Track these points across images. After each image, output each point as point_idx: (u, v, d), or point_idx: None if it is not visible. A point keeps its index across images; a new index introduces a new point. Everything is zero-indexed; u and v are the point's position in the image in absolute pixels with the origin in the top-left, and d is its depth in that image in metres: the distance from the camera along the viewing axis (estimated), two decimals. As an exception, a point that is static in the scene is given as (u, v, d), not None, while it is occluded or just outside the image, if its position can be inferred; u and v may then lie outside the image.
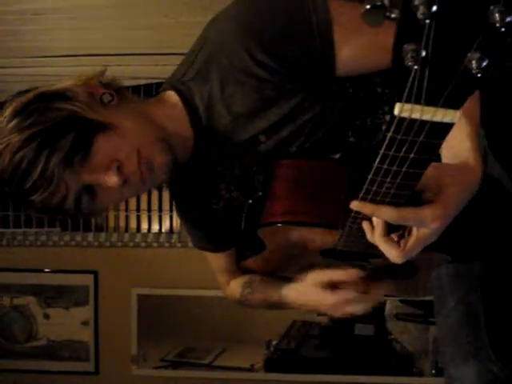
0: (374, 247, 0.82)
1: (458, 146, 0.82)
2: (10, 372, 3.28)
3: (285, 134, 1.00)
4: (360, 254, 0.99)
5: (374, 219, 0.79)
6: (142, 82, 2.97)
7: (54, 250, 3.22)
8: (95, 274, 3.20)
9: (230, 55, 0.96)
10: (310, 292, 1.05)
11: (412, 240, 0.78)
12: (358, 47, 0.92)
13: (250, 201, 1.04)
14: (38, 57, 3.00)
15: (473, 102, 0.85)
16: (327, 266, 1.06)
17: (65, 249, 3.22)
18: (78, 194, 0.94)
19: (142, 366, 3.20)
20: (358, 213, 0.80)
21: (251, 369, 3.06)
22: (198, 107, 1.02)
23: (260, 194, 1.03)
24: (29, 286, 3.25)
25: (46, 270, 3.24)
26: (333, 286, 1.03)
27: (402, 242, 0.79)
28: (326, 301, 1.04)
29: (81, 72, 1.00)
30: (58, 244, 3.21)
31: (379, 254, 0.99)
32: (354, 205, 0.77)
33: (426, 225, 0.76)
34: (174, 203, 1.24)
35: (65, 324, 3.26)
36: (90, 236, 3.22)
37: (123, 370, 3.20)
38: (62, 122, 0.91)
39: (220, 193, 1.11)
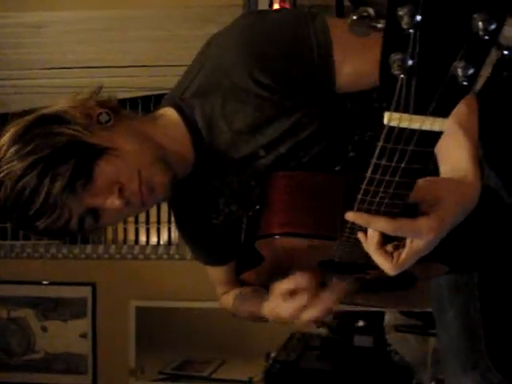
0: (371, 258, 0.82)
1: (457, 160, 0.82)
2: (8, 385, 3.27)
3: (284, 149, 1.01)
4: (358, 265, 0.99)
5: (369, 230, 0.79)
6: (141, 93, 2.98)
7: (52, 262, 3.22)
8: (93, 286, 3.20)
9: (231, 74, 0.97)
10: (275, 303, 1.04)
11: (405, 252, 0.77)
12: (357, 66, 0.93)
13: (251, 213, 1.04)
14: (39, 69, 3.01)
15: (471, 115, 0.85)
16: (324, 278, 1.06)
17: (63, 261, 3.21)
18: (82, 217, 0.95)
19: (141, 379, 3.18)
20: (353, 226, 0.80)
21: (250, 381, 3.04)
22: (198, 123, 1.02)
23: (258, 207, 1.03)
24: (26, 298, 3.24)
25: (44, 282, 3.23)
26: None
27: (396, 254, 0.78)
28: (284, 310, 1.02)
29: (77, 92, 1.01)
30: (56, 256, 3.21)
31: (376, 265, 0.99)
32: (349, 215, 0.77)
33: (420, 236, 0.75)
34: (173, 218, 1.25)
35: (63, 336, 3.25)
36: (89, 248, 3.21)
37: (121, 382, 3.19)
38: (63, 147, 0.91)
39: (219, 207, 1.11)
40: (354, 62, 0.93)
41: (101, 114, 0.98)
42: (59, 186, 0.90)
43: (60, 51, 2.98)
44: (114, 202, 0.93)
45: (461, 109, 0.81)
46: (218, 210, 1.12)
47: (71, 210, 0.93)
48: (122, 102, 2.71)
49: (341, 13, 2.36)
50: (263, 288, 1.18)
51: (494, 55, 0.49)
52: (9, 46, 2.99)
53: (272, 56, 0.94)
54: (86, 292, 3.20)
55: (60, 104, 0.98)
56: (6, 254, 3.24)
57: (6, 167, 0.90)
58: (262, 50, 0.95)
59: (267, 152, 1.01)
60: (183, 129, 1.03)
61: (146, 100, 3.01)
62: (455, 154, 0.82)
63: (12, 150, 0.91)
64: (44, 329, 3.26)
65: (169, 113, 1.05)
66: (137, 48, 2.93)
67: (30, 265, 3.23)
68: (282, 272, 1.12)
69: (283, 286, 1.02)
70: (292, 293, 1.01)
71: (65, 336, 3.24)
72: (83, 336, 3.22)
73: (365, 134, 1.01)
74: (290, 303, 1.01)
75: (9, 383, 3.27)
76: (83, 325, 3.22)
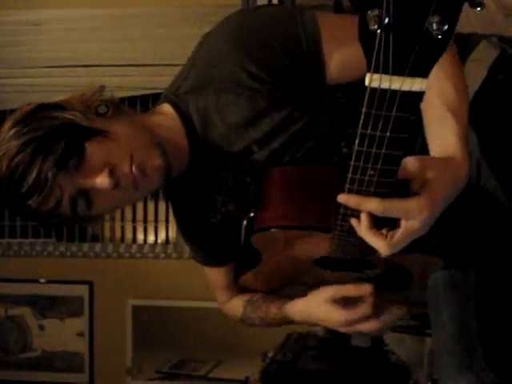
0: (367, 251, 0.82)
1: (446, 142, 0.82)
2: (5, 383, 3.27)
3: (276, 144, 1.02)
4: (355, 262, 0.99)
5: (362, 214, 0.78)
6: (139, 92, 2.98)
7: (49, 260, 3.22)
8: (90, 284, 3.20)
9: (223, 68, 0.99)
10: (320, 307, 1.05)
11: (400, 231, 0.77)
12: (346, 56, 0.94)
13: (252, 214, 1.04)
14: (37, 67, 3.01)
15: (461, 101, 0.86)
16: (324, 279, 1.06)
17: (60, 259, 3.21)
18: (73, 198, 0.96)
19: (137, 378, 3.18)
20: (346, 212, 0.80)
21: (247, 381, 3.04)
22: (193, 117, 1.05)
23: (255, 209, 1.03)
24: (24, 296, 3.24)
25: (41, 280, 3.23)
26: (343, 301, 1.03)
27: (390, 234, 0.77)
28: (338, 318, 1.03)
29: (80, 89, 1.04)
30: (53, 254, 3.21)
31: (374, 262, 0.99)
32: (341, 197, 0.76)
33: (413, 216, 0.75)
34: (172, 216, 1.25)
35: (60, 335, 3.25)
36: (86, 246, 3.21)
37: (118, 381, 3.19)
38: (57, 129, 0.94)
39: (216, 206, 1.12)
40: (343, 53, 0.94)
41: (100, 105, 1.00)
42: (51, 163, 0.92)
43: (59, 49, 2.97)
44: (103, 180, 0.94)
45: (451, 95, 0.83)
46: (216, 208, 1.13)
47: (62, 190, 0.94)
48: (121, 101, 2.71)
49: (339, 12, 2.36)
50: (270, 294, 1.18)
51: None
52: (7, 43, 2.99)
53: (263, 49, 0.96)
54: (83, 290, 3.20)
55: (63, 97, 1.02)
56: (4, 252, 3.23)
57: (4, 147, 0.94)
58: (252, 43, 0.96)
59: (260, 147, 1.02)
60: (178, 121, 1.05)
61: (144, 99, 3.01)
62: (444, 137, 0.83)
63: (11, 132, 0.94)
64: (41, 327, 3.26)
65: (165, 108, 1.08)
66: (135, 47, 2.93)
67: (28, 263, 3.22)
68: (279, 273, 1.13)
69: (338, 292, 1.03)
70: (341, 300, 1.02)
71: (62, 334, 3.24)
72: (80, 334, 3.22)
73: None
74: (349, 312, 1.02)
75: (6, 381, 3.27)
76: (80, 323, 3.22)
